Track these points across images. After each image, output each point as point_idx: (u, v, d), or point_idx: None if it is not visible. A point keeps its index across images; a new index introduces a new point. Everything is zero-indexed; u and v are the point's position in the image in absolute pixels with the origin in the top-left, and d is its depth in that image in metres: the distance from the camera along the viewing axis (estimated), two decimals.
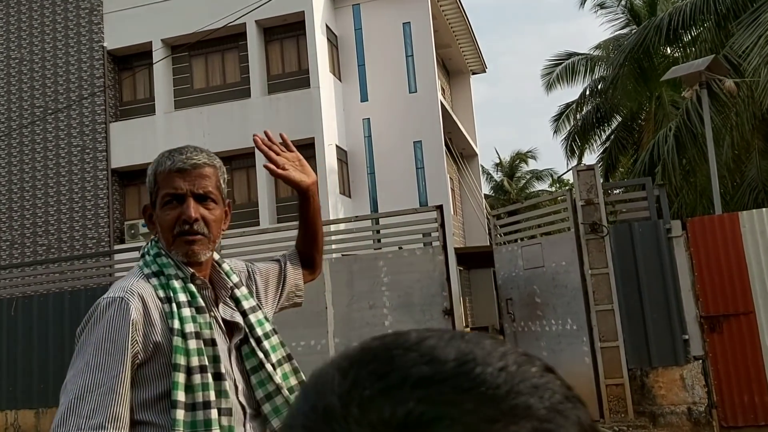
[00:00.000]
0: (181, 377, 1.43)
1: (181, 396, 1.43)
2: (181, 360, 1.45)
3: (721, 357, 6.62)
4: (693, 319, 6.73)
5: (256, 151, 1.81)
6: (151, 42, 16.36)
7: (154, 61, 15.99)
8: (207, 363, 1.48)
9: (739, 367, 6.57)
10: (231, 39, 16.24)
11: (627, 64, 13.11)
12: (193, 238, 1.55)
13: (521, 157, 31.17)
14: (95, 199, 16.12)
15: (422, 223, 7.94)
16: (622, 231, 7.01)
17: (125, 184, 16.56)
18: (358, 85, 16.66)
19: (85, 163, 16.33)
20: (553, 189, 29.14)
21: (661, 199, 7.06)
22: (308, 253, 1.89)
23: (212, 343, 1.51)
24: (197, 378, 1.45)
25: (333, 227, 9.61)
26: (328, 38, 16.36)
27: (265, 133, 1.80)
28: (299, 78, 15.89)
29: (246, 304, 1.64)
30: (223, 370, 1.50)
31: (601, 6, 17.93)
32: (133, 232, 15.66)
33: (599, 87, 17.80)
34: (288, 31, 16.29)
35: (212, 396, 1.45)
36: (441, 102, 16.73)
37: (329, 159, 15.20)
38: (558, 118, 19.51)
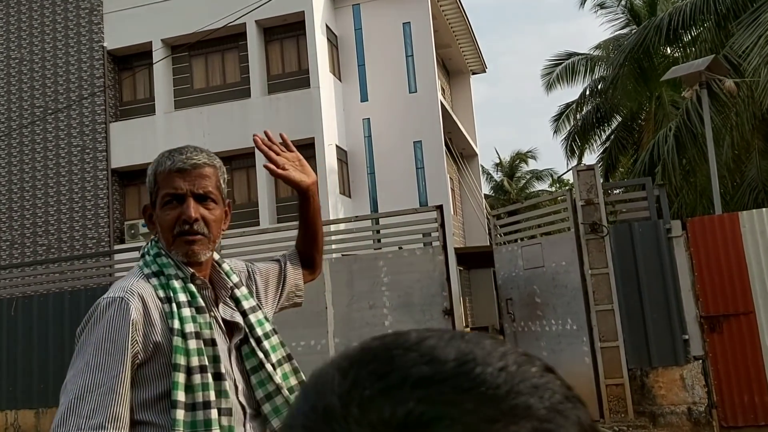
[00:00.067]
0: (181, 377, 1.43)
1: (181, 396, 1.42)
2: (181, 360, 1.44)
3: (721, 357, 6.62)
4: (693, 319, 6.73)
5: (256, 151, 1.81)
6: (151, 42, 16.37)
7: (154, 61, 15.99)
8: (207, 363, 1.47)
9: (739, 367, 6.57)
10: (231, 39, 16.25)
11: (627, 64, 13.11)
12: (193, 238, 1.55)
13: (521, 157, 31.17)
14: (95, 199, 16.12)
15: (422, 223, 7.94)
16: (622, 231, 7.01)
17: (125, 184, 16.57)
18: (358, 85, 16.66)
19: (85, 163, 16.33)
20: (553, 189, 29.14)
21: (661, 199, 7.06)
22: (308, 253, 1.89)
23: (212, 343, 1.51)
24: (197, 378, 1.45)
25: (333, 227, 9.61)
26: (328, 38, 16.36)
27: (265, 133, 1.80)
28: (299, 78, 15.89)
29: (246, 304, 1.64)
30: (223, 370, 1.50)
31: (601, 6, 17.93)
32: (133, 232, 15.66)
33: (599, 87, 17.80)
34: (288, 31, 16.29)
35: (212, 396, 1.45)
36: (441, 102, 16.72)
37: (329, 159, 15.20)
38: (558, 118, 19.51)
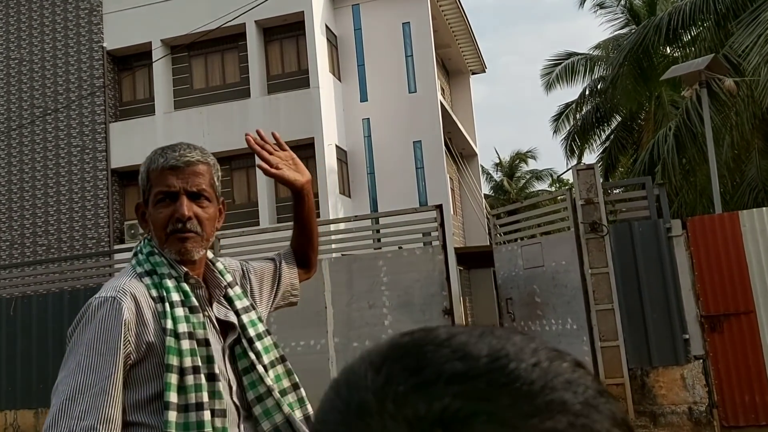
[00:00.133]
0: (173, 378, 1.41)
1: (173, 397, 1.40)
2: (174, 361, 1.42)
3: (721, 356, 6.61)
4: (693, 318, 6.72)
5: None
6: (150, 42, 16.36)
7: (153, 60, 15.99)
8: (200, 364, 1.45)
9: (739, 367, 6.56)
10: (231, 39, 16.24)
11: (626, 64, 13.10)
12: (186, 236, 1.52)
13: (521, 156, 31.17)
14: (95, 199, 16.12)
15: (422, 222, 7.93)
16: (622, 230, 7.00)
17: (125, 184, 16.56)
18: (357, 85, 16.65)
19: (85, 163, 16.33)
20: (553, 189, 29.13)
21: (661, 198, 7.05)
22: (303, 251, 1.88)
23: (206, 343, 1.49)
24: (190, 379, 1.43)
25: (333, 227, 9.60)
26: (327, 38, 16.35)
27: (258, 132, 1.78)
28: (299, 78, 15.89)
29: (239, 304, 1.62)
30: (216, 371, 1.47)
31: (601, 6, 17.93)
32: (132, 232, 15.65)
33: (599, 87, 17.80)
34: (287, 32, 16.29)
35: (205, 397, 1.43)
36: (441, 102, 16.72)
37: (329, 159, 15.19)
38: (558, 118, 19.50)
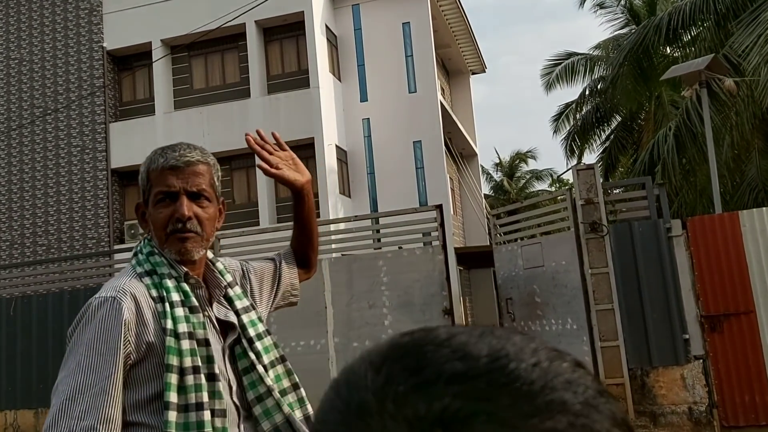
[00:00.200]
0: (173, 378, 1.41)
1: (173, 397, 1.40)
2: (174, 361, 1.42)
3: (721, 356, 6.61)
4: (693, 318, 6.71)
5: None
6: (150, 42, 16.36)
7: (153, 60, 15.99)
8: (200, 364, 1.45)
9: (739, 367, 6.56)
10: (230, 39, 16.24)
11: (626, 64, 13.10)
12: (186, 236, 1.52)
13: (521, 157, 31.17)
14: (95, 199, 16.12)
15: (422, 222, 7.93)
16: (622, 230, 7.00)
17: (125, 185, 16.56)
18: (357, 85, 16.65)
19: (85, 163, 16.33)
20: (553, 189, 29.13)
21: (661, 198, 7.05)
22: (303, 251, 1.87)
23: (206, 343, 1.49)
24: (190, 379, 1.42)
25: (333, 227, 9.60)
26: (327, 38, 16.35)
27: (257, 132, 1.78)
28: (299, 78, 15.89)
29: (239, 304, 1.62)
30: (216, 371, 1.47)
31: (601, 6, 17.93)
32: (132, 232, 15.65)
33: (599, 87, 17.80)
34: (287, 32, 16.29)
35: (205, 397, 1.43)
36: (441, 102, 16.72)
37: (329, 159, 15.19)
38: (558, 118, 19.50)
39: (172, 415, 1.39)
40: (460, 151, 20.35)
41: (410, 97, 16.37)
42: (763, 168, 11.69)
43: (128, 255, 9.01)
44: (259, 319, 1.65)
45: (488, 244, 11.32)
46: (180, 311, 1.48)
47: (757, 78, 9.79)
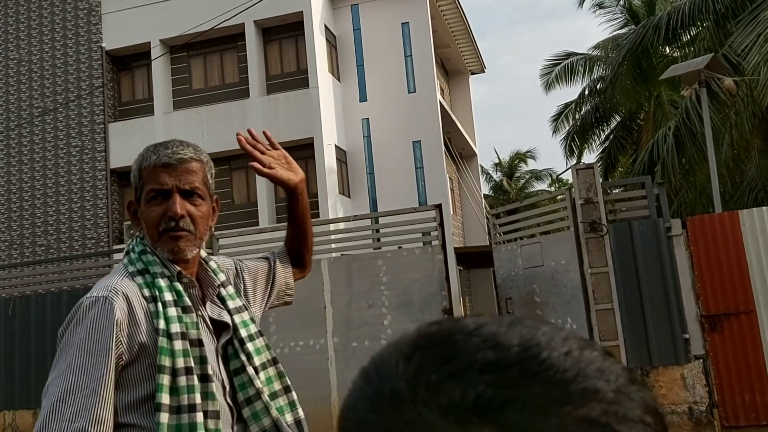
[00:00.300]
0: (165, 379, 1.39)
1: (165, 399, 1.38)
2: (166, 361, 1.40)
3: (722, 356, 6.60)
4: (693, 318, 6.70)
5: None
6: (149, 42, 16.35)
7: (152, 59, 15.98)
8: (193, 364, 1.43)
9: (740, 366, 6.55)
10: (230, 39, 16.24)
11: (626, 64, 13.09)
12: (178, 234, 1.50)
13: (520, 157, 31.16)
14: (94, 199, 16.10)
15: (421, 222, 7.92)
16: (621, 230, 6.99)
17: (124, 185, 16.54)
18: (357, 85, 16.65)
19: (84, 163, 16.31)
20: (553, 189, 29.13)
21: (660, 197, 7.04)
22: (298, 251, 1.84)
23: (199, 343, 1.46)
24: (182, 380, 1.40)
25: (332, 227, 9.59)
26: (326, 38, 16.34)
27: (249, 131, 1.76)
28: (298, 78, 15.88)
29: (231, 304, 1.59)
30: (210, 372, 1.45)
31: (600, 6, 17.93)
32: (132, 232, 15.62)
33: (598, 87, 17.79)
34: (287, 32, 16.28)
35: (198, 399, 1.40)
36: (440, 102, 16.71)
37: (328, 159, 15.18)
38: (557, 118, 19.50)
39: (164, 417, 1.37)
40: (459, 151, 20.34)
41: (409, 97, 16.37)
42: (763, 167, 11.69)
43: None
44: (252, 320, 1.62)
45: (488, 243, 11.31)
46: (173, 311, 1.45)
47: (757, 77, 9.78)
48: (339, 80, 16.66)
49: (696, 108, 10.71)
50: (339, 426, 0.39)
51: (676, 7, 12.27)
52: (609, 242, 6.96)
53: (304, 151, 14.42)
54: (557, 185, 29.66)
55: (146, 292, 1.46)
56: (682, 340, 6.69)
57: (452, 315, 7.55)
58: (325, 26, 16.32)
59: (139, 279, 1.48)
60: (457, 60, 21.42)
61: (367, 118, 16.44)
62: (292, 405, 1.57)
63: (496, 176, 30.92)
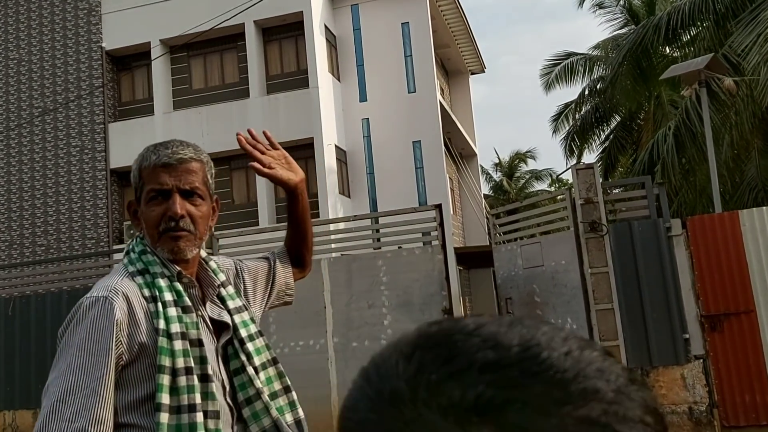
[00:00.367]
0: (165, 379, 1.39)
1: (165, 399, 1.38)
2: (166, 361, 1.40)
3: (722, 356, 6.60)
4: (693, 318, 6.70)
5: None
6: (149, 42, 16.35)
7: (152, 59, 15.98)
8: (193, 364, 1.43)
9: (740, 366, 6.55)
10: (230, 39, 16.24)
11: (626, 64, 13.09)
12: (178, 234, 1.50)
13: (520, 157, 31.16)
14: (94, 199, 16.10)
15: (421, 222, 7.92)
16: (621, 230, 6.99)
17: (124, 185, 16.54)
18: (357, 85, 16.65)
19: (84, 163, 16.31)
20: (553, 189, 29.12)
21: (660, 197, 7.03)
22: (298, 251, 1.84)
23: (199, 343, 1.46)
24: (182, 380, 1.40)
25: (332, 227, 9.59)
26: (326, 38, 16.34)
27: (249, 131, 1.76)
28: (298, 78, 15.88)
29: (231, 304, 1.59)
30: (210, 372, 1.45)
31: (600, 6, 17.93)
32: (132, 232, 15.62)
33: (598, 87, 17.79)
34: (287, 32, 16.28)
35: (198, 399, 1.40)
36: (440, 102, 16.71)
37: (328, 159, 15.18)
38: (557, 118, 19.50)
39: (164, 417, 1.37)
40: (459, 151, 20.34)
41: (409, 97, 16.37)
42: (763, 167, 11.69)
43: None
44: (252, 320, 1.62)
45: (488, 243, 11.30)
46: (173, 311, 1.45)
47: (757, 77, 9.78)
48: (339, 80, 16.66)
49: (696, 108, 10.71)
50: (339, 426, 0.39)
51: (676, 7, 12.27)
52: (609, 242, 6.96)
53: (304, 151, 14.42)
54: (557, 185, 29.66)
55: (146, 292, 1.46)
56: (682, 340, 6.69)
57: (452, 315, 7.55)
58: (325, 26, 16.31)
59: (139, 279, 1.48)
60: (457, 60, 21.42)
61: (367, 118, 16.44)
62: (292, 405, 1.57)
63: (496, 176, 30.94)
